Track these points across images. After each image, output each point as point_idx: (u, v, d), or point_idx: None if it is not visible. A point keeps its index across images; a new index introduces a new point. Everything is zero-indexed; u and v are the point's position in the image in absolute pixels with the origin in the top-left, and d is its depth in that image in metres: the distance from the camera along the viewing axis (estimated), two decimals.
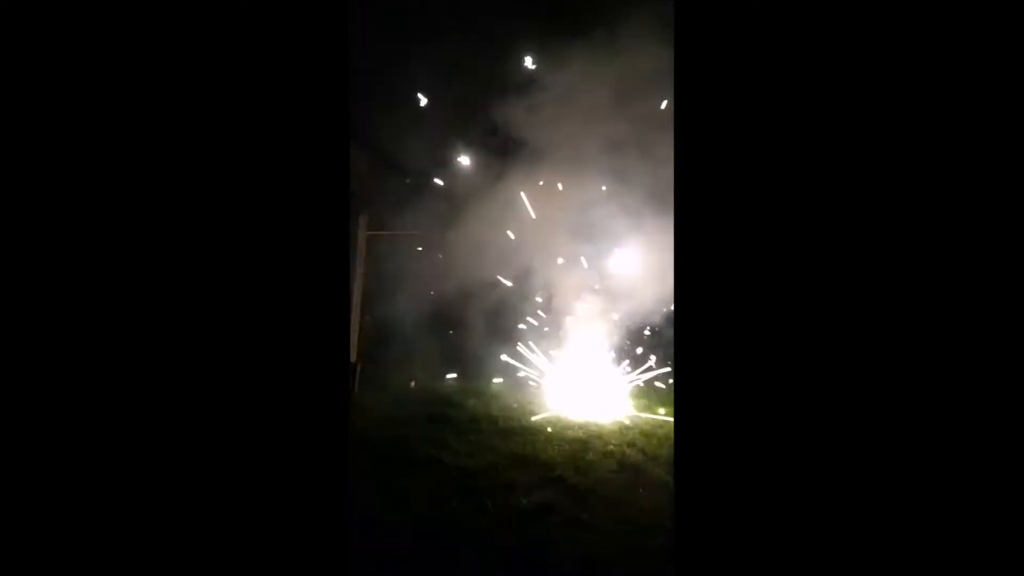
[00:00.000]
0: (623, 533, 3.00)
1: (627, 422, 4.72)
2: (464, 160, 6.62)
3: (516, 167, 5.95)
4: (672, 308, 5.51)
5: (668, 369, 5.65)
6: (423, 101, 6.08)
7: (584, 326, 5.64)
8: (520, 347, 5.88)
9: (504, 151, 6.15)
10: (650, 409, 5.04)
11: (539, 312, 5.90)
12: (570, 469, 3.75)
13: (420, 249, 6.64)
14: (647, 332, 5.72)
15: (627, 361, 5.62)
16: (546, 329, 5.83)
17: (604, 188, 6.12)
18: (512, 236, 5.92)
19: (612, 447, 4.16)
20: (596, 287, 5.75)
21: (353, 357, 5.26)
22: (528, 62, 5.97)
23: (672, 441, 4.29)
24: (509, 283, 5.97)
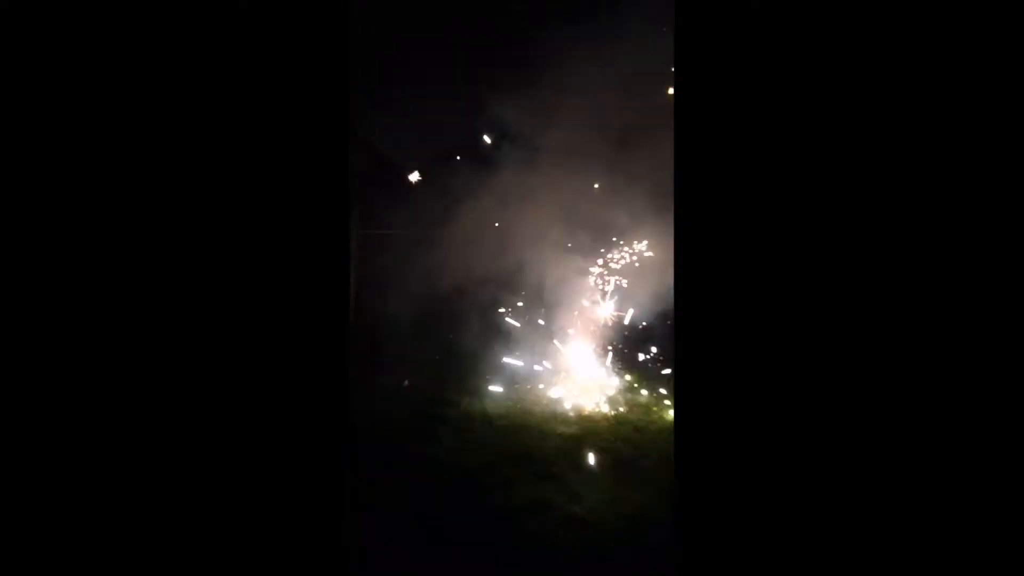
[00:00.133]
0: (618, 528, 3.02)
1: (621, 418, 4.73)
2: (457, 156, 6.61)
3: (509, 162, 5.95)
4: (660, 304, 5.56)
5: (658, 363, 5.68)
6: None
7: (579, 322, 5.65)
8: (514, 344, 5.88)
9: (497, 146, 6.14)
10: (645, 406, 5.05)
11: (532, 310, 5.91)
12: (565, 465, 3.76)
13: (412, 247, 6.63)
14: (643, 325, 5.73)
15: (621, 357, 5.63)
16: (540, 323, 5.83)
17: (596, 185, 6.13)
18: (505, 233, 5.92)
19: (606, 443, 4.17)
20: (592, 284, 5.76)
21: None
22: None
23: (666, 436, 4.32)
24: (503, 280, 5.98)
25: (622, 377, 5.49)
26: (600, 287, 5.79)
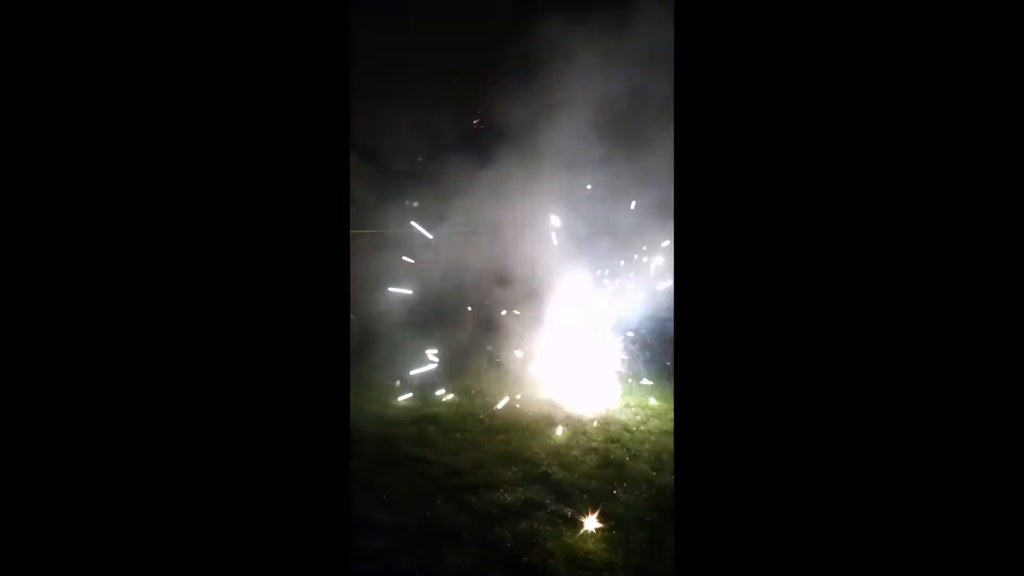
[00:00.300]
0: (607, 528, 3.04)
1: (611, 418, 4.75)
2: (448, 154, 6.62)
3: (501, 159, 5.95)
4: (653, 304, 5.58)
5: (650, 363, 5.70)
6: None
7: (570, 322, 5.67)
8: (505, 343, 5.89)
9: (489, 143, 6.14)
10: (636, 406, 5.08)
11: (522, 308, 5.92)
12: (554, 465, 3.78)
13: (405, 245, 6.63)
14: (630, 334, 5.76)
15: (614, 355, 5.66)
16: (532, 320, 5.84)
17: (589, 187, 6.15)
18: (496, 230, 5.93)
19: (596, 443, 4.19)
20: (586, 282, 5.77)
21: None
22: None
23: (656, 436, 4.35)
24: (496, 277, 5.99)
25: (615, 377, 5.51)
26: (596, 282, 5.81)
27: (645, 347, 5.81)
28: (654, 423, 4.66)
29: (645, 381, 5.57)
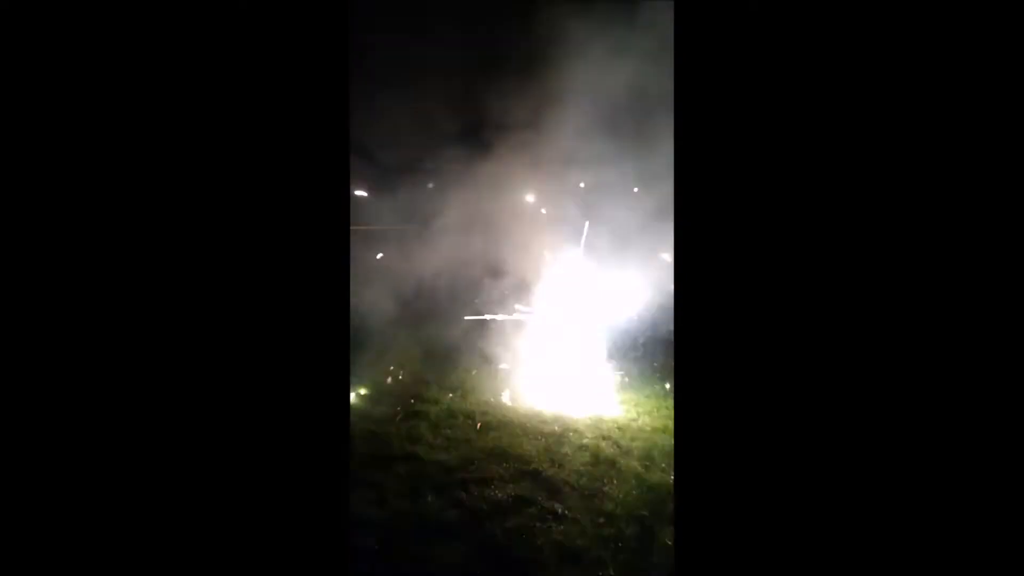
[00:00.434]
0: (598, 524, 3.05)
1: (602, 415, 4.77)
2: (442, 151, 6.61)
3: (496, 156, 5.95)
4: (648, 301, 5.60)
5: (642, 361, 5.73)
6: None
7: (563, 319, 5.68)
8: (498, 339, 5.89)
9: (487, 140, 6.12)
10: (628, 403, 5.10)
11: (517, 305, 5.92)
12: (545, 462, 3.78)
13: (396, 243, 6.61)
14: (631, 333, 5.77)
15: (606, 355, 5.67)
16: (526, 318, 5.84)
17: (582, 184, 6.16)
18: (490, 227, 5.92)
19: (587, 440, 4.20)
20: (577, 279, 5.78)
21: None
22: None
23: (647, 433, 4.36)
24: (488, 274, 5.99)
25: (606, 374, 5.53)
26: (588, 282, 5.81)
27: (636, 344, 5.83)
28: (645, 420, 4.68)
29: (631, 378, 5.58)
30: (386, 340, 5.99)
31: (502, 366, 5.61)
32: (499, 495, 3.32)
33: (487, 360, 5.72)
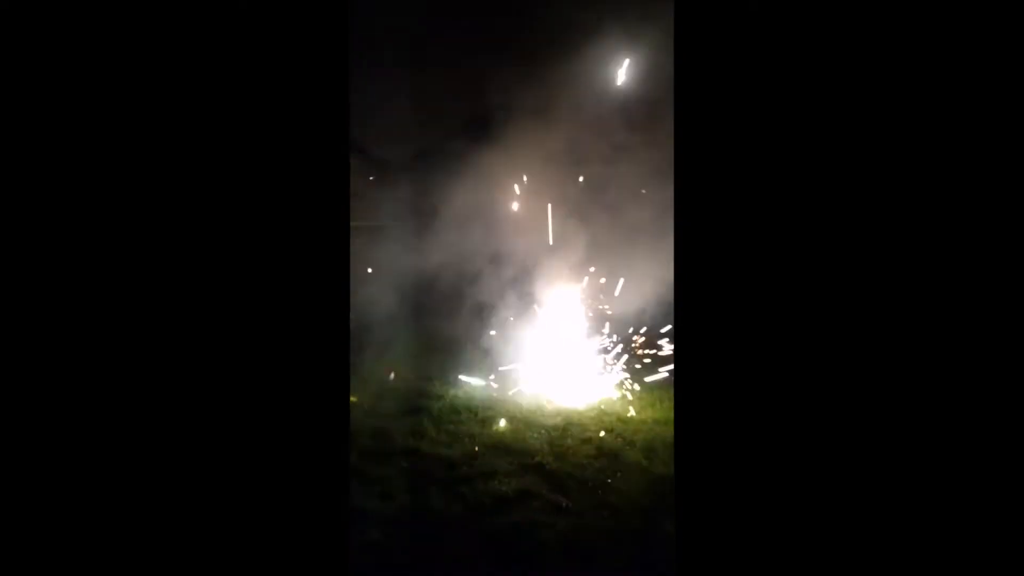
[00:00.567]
0: (601, 517, 3.06)
1: (604, 408, 4.77)
2: (440, 148, 6.59)
3: (492, 152, 5.94)
4: (646, 297, 5.60)
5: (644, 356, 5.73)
6: None
7: (564, 311, 5.68)
8: (499, 333, 5.90)
9: (485, 135, 6.10)
10: (631, 395, 5.10)
11: (517, 297, 5.93)
12: (549, 456, 3.79)
13: (396, 240, 6.61)
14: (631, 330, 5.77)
15: (607, 347, 5.68)
16: (525, 313, 5.85)
17: (581, 179, 6.15)
18: (489, 223, 5.92)
19: (590, 433, 4.21)
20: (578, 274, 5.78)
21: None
22: None
23: (649, 426, 4.37)
24: (490, 269, 5.99)
25: (607, 367, 5.53)
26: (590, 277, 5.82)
27: (639, 336, 5.83)
28: (648, 412, 4.68)
29: (633, 371, 5.58)
30: (388, 335, 6.00)
31: (504, 360, 5.62)
32: (502, 489, 3.34)
33: (489, 354, 5.72)
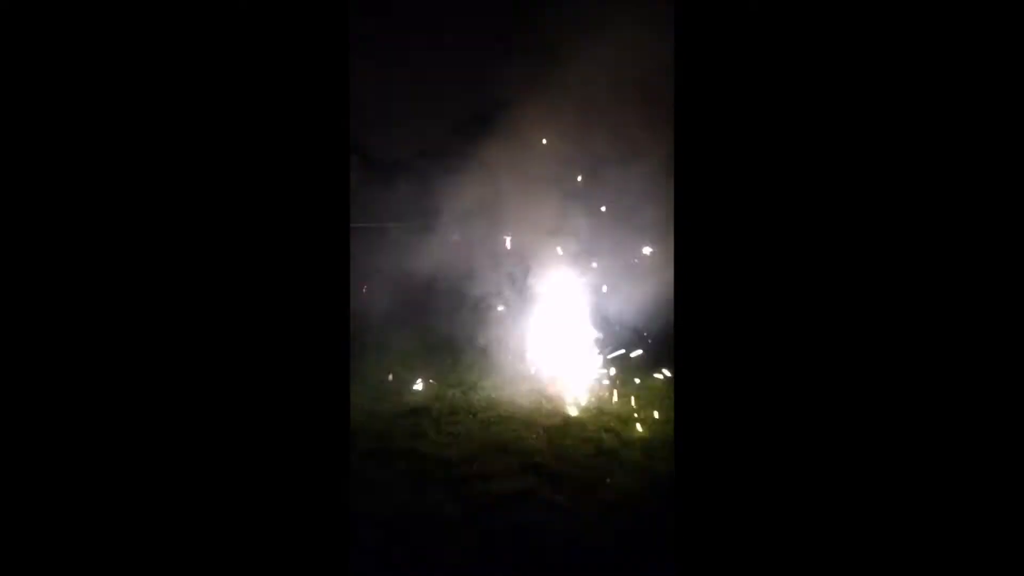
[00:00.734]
0: (601, 516, 3.06)
1: (603, 408, 4.78)
2: (437, 147, 6.59)
3: (491, 153, 5.94)
4: (644, 298, 5.60)
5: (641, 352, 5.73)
6: None
7: (562, 309, 5.68)
8: (498, 333, 5.90)
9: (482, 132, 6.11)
10: (629, 395, 5.11)
11: (517, 298, 5.92)
12: (548, 455, 3.79)
13: (395, 240, 6.61)
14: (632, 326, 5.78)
15: (606, 345, 5.68)
16: (525, 312, 5.85)
17: (579, 178, 6.15)
18: (490, 220, 5.92)
19: (589, 433, 4.21)
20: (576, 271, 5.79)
21: None
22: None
23: (648, 425, 4.37)
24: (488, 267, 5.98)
25: (606, 367, 5.53)
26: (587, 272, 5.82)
27: (638, 336, 5.83)
28: (648, 412, 4.69)
29: (632, 370, 5.59)
30: (387, 336, 6.00)
31: (503, 360, 5.62)
32: (502, 489, 3.33)
33: (489, 354, 5.72)
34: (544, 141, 5.67)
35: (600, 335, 5.68)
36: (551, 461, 3.71)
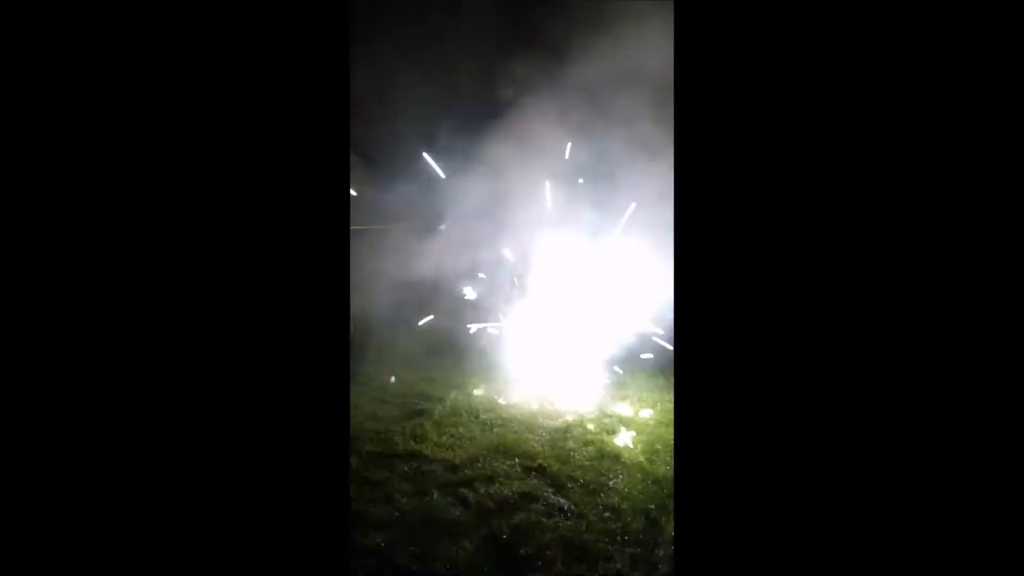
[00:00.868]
0: (603, 518, 3.04)
1: (605, 410, 4.76)
2: (437, 149, 6.59)
3: (490, 148, 5.93)
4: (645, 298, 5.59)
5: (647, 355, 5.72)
6: None
7: (562, 310, 5.67)
8: (499, 336, 5.89)
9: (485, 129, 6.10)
10: (631, 397, 5.09)
11: (517, 298, 5.92)
12: (550, 458, 3.78)
13: (395, 242, 6.61)
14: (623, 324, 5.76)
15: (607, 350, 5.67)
16: (527, 315, 5.84)
17: (580, 180, 6.15)
18: (487, 222, 5.91)
19: (591, 435, 4.19)
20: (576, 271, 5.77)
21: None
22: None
23: (651, 428, 4.36)
24: (495, 263, 5.97)
25: (608, 370, 5.52)
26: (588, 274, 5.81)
27: (639, 338, 5.82)
28: (648, 414, 4.67)
29: (634, 372, 5.57)
30: (388, 338, 5.99)
31: (504, 362, 5.61)
32: (504, 492, 3.32)
33: (490, 357, 5.71)
34: (547, 140, 5.67)
35: (602, 336, 5.67)
36: (553, 463, 3.69)
